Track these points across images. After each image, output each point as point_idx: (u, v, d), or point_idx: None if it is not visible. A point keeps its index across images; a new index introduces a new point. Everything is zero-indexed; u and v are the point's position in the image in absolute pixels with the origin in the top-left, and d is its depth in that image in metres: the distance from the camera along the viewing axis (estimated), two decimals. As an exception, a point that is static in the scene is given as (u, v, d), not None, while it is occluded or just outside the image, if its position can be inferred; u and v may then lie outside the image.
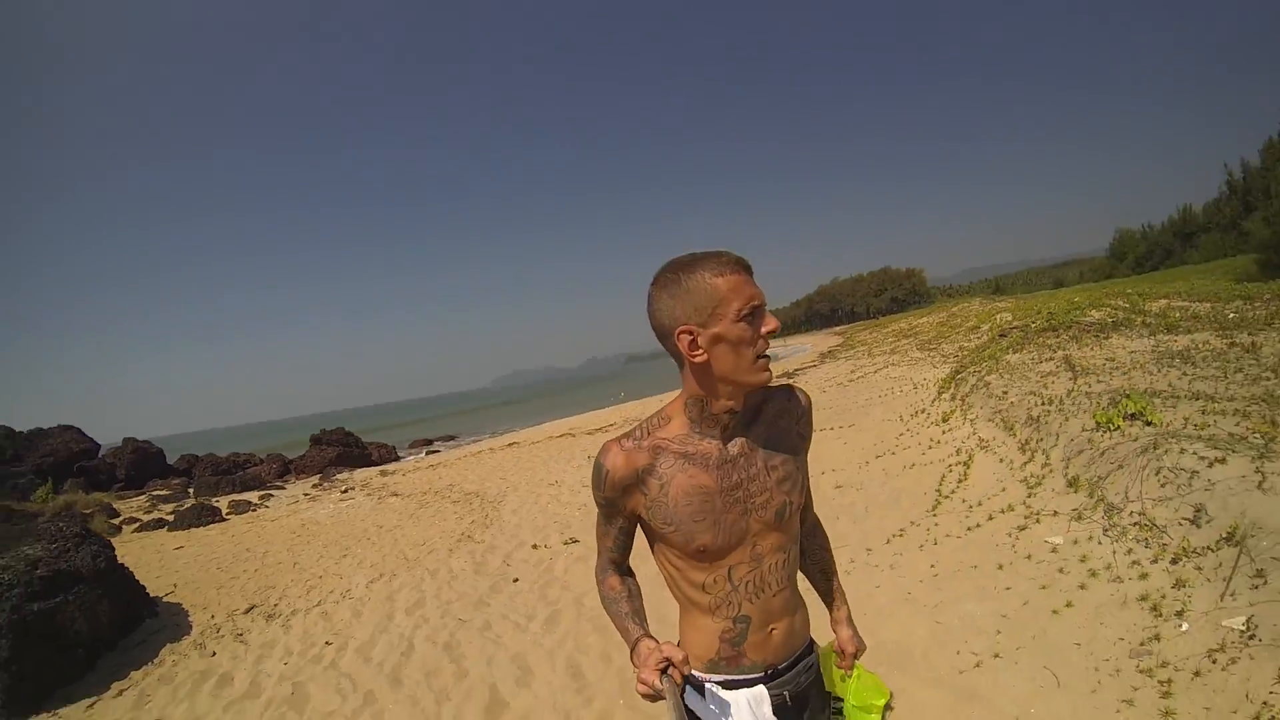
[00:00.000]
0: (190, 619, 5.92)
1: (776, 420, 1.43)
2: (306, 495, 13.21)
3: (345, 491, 12.93)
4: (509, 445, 17.43)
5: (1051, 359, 7.67)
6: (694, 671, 1.42)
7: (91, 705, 4.49)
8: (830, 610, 1.66)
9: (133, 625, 5.76)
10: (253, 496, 13.94)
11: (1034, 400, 6.17)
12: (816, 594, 1.65)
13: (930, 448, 6.70)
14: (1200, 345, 6.70)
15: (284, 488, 15.68)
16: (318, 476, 17.31)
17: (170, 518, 11.49)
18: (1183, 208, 49.75)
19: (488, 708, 3.62)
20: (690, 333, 1.25)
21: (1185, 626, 2.71)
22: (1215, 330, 7.47)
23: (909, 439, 7.33)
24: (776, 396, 1.45)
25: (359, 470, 17.85)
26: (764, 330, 1.26)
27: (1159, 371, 5.87)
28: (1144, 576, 3.07)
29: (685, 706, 1.35)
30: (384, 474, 15.49)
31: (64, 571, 5.26)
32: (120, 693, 4.63)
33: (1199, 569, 2.91)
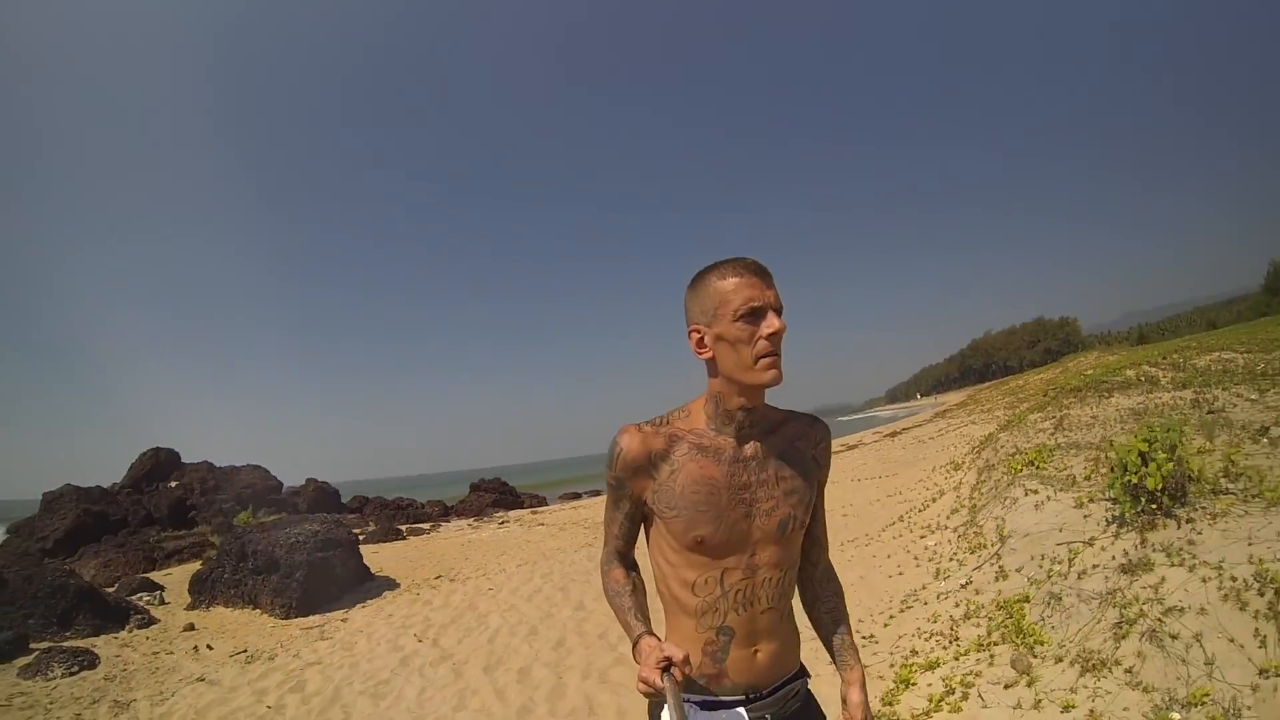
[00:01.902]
0: (397, 582, 8.65)
1: (794, 440, 1.45)
2: (470, 525, 16.13)
3: (502, 523, 15.79)
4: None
5: (1053, 417, 9.32)
6: None
7: (345, 613, 7.21)
8: (841, 670, 1.52)
9: (361, 581, 8.56)
10: (424, 526, 17.04)
11: (1010, 449, 8.04)
12: (826, 649, 1.55)
13: (923, 485, 8.67)
14: (1173, 401, 8.09)
15: (448, 522, 18.75)
16: (476, 516, 20.28)
17: (362, 536, 14.60)
18: None
19: (575, 612, 6.03)
20: (698, 331, 1.33)
21: (950, 581, 4.79)
22: (1240, 383, 8.18)
23: (916, 484, 9.30)
24: (799, 420, 1.48)
25: (512, 511, 20.80)
26: (764, 331, 1.27)
27: (1117, 424, 7.48)
28: (961, 564, 5.12)
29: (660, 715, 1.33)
30: (534, 513, 18.33)
31: (331, 539, 8.20)
32: (362, 604, 7.38)
33: (975, 555, 4.97)
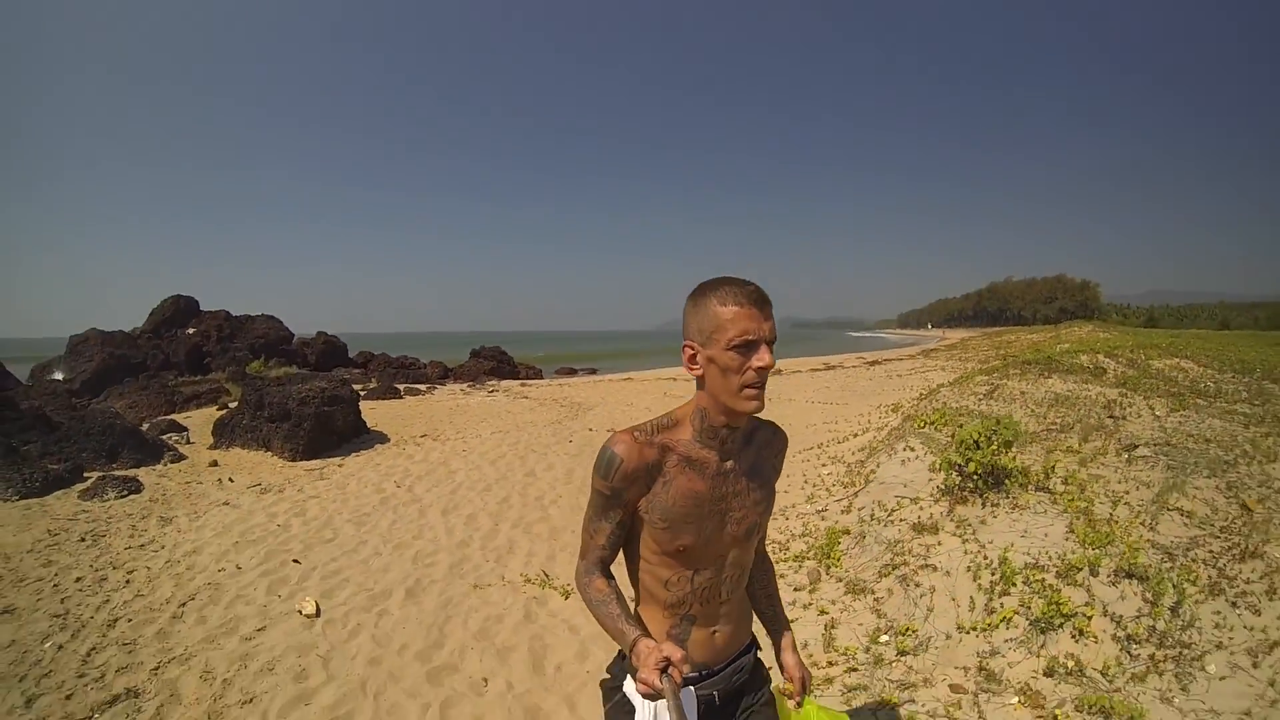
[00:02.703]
0: (388, 437, 10.09)
1: (762, 449, 1.58)
2: (463, 391, 17.62)
3: (491, 391, 17.27)
4: (626, 379, 21.52)
5: (991, 384, 10.34)
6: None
7: (341, 460, 8.65)
8: (774, 637, 1.77)
9: (358, 434, 10.00)
10: (421, 387, 18.57)
11: (935, 405, 9.19)
12: (760, 620, 1.76)
13: (859, 420, 9.92)
14: (1095, 396, 8.90)
15: (445, 385, 20.29)
16: (471, 382, 21.81)
17: (363, 392, 16.05)
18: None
19: (524, 478, 7.43)
20: (691, 348, 1.39)
21: (812, 505, 6.09)
22: (1164, 396, 8.70)
23: (855, 418, 10.53)
24: (765, 429, 1.61)
25: (505, 381, 22.35)
26: (754, 364, 1.33)
27: (1034, 405, 8.35)
28: (830, 494, 6.39)
29: (624, 693, 1.50)
30: (524, 385, 19.87)
31: (336, 396, 9.56)
32: (357, 453, 8.83)
33: (845, 489, 6.23)
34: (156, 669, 3.57)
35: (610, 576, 1.53)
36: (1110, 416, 7.63)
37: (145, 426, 9.90)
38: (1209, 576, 3.72)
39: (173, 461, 8.24)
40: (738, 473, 1.50)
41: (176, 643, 3.84)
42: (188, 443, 9.39)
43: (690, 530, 1.45)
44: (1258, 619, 3.38)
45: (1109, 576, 3.72)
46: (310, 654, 3.73)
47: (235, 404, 10.88)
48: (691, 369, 1.41)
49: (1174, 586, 3.59)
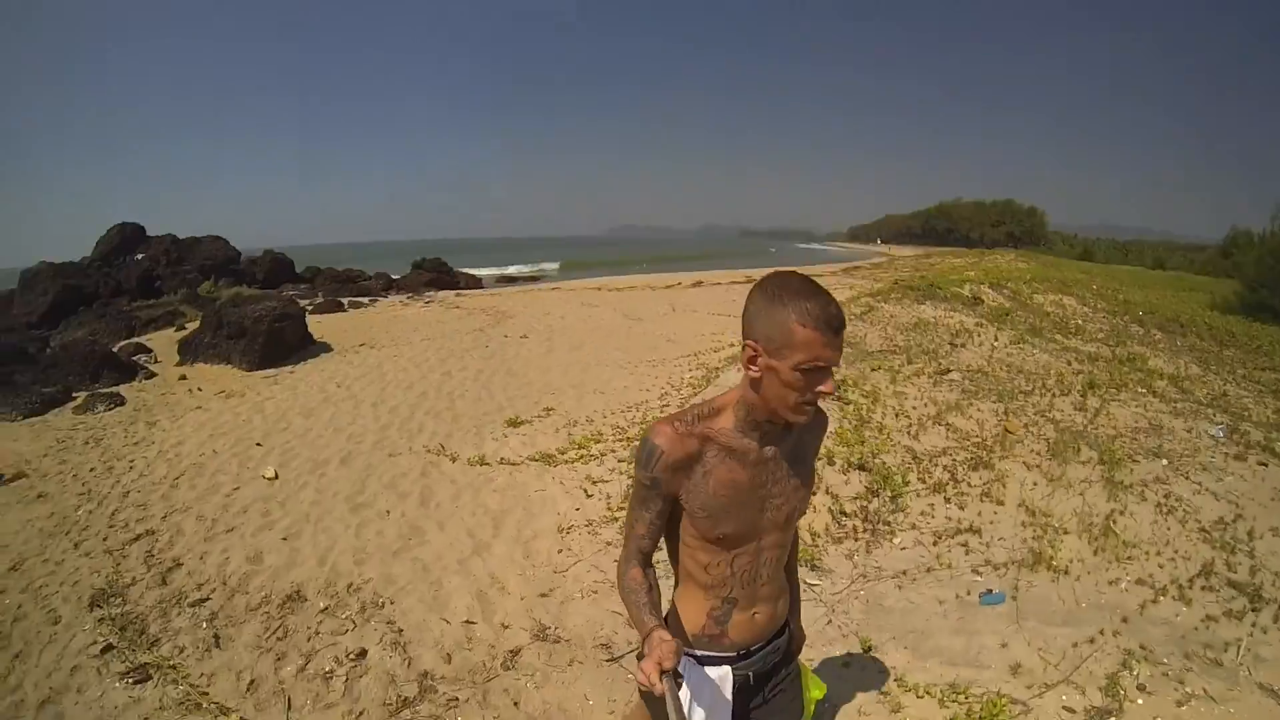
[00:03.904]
0: (331, 347, 11.62)
1: (804, 434, 1.57)
2: (401, 303, 19.05)
3: (428, 302, 18.75)
4: (553, 289, 23.12)
5: (866, 307, 11.01)
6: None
7: (292, 369, 10.20)
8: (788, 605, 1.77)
9: (306, 345, 11.49)
10: (364, 300, 19.97)
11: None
12: None
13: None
14: (949, 323, 9.96)
15: (386, 297, 21.66)
16: (410, 294, 23.04)
17: (309, 307, 17.35)
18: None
19: (441, 378, 9.12)
20: (755, 350, 1.36)
21: (649, 395, 7.87)
22: (1011, 328, 10.02)
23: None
24: None
25: (444, 291, 23.72)
26: (816, 389, 1.34)
27: (890, 330, 9.57)
28: (675, 390, 8.15)
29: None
30: (459, 295, 21.29)
31: (285, 314, 11.06)
32: (305, 362, 10.45)
33: (685, 390, 7.98)
34: (164, 517, 5.26)
35: (648, 566, 1.54)
36: (950, 344, 8.92)
37: (115, 350, 11.32)
38: (940, 478, 5.12)
39: (146, 379, 9.76)
40: (778, 459, 1.52)
41: (176, 501, 5.52)
42: (155, 362, 10.87)
43: (731, 519, 1.48)
44: (961, 513, 4.76)
45: (841, 466, 5.18)
46: (271, 501, 5.45)
47: (193, 324, 12.31)
48: (749, 369, 1.40)
49: (901, 480, 4.95)
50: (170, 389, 9.23)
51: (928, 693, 3.11)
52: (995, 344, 9.35)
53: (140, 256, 23.26)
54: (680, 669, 1.41)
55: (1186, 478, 5.38)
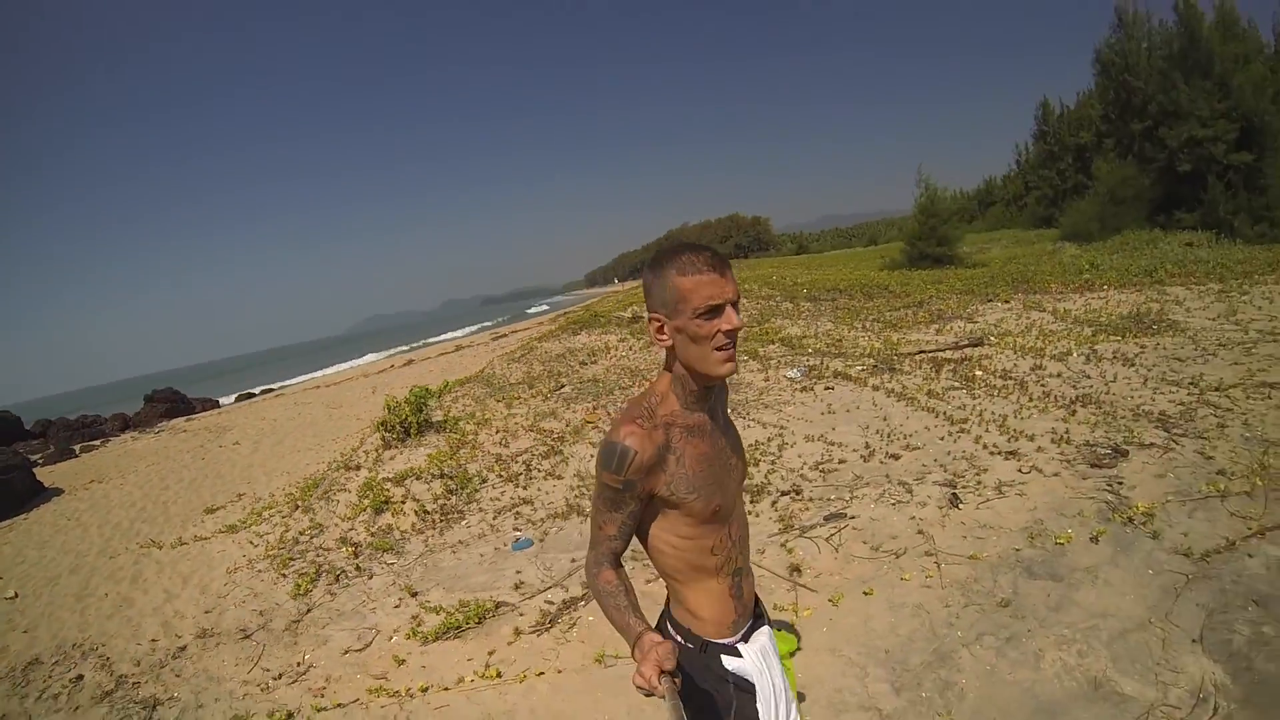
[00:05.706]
0: (62, 489, 13.36)
1: (719, 397, 1.66)
2: (132, 438, 20.41)
3: (158, 432, 20.29)
4: (278, 396, 25.32)
5: (526, 349, 14.86)
6: (719, 640, 1.59)
7: (27, 514, 12.01)
8: None
9: (38, 492, 13.20)
10: (96, 443, 21.06)
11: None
12: None
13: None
14: (586, 345, 13.61)
15: (118, 437, 22.69)
16: (143, 428, 23.83)
17: (40, 460, 18.38)
18: (988, 178, 46.95)
19: (165, 485, 11.62)
20: (658, 320, 1.44)
21: (334, 451, 11.01)
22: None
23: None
24: None
25: (177, 419, 24.94)
26: (722, 327, 1.38)
27: (547, 361, 13.36)
28: (359, 447, 11.30)
29: (731, 673, 1.54)
30: (188, 420, 22.89)
31: (9, 465, 12.82)
32: (38, 508, 12.34)
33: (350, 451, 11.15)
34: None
35: (620, 567, 1.57)
36: (582, 363, 10.76)
37: None
38: (516, 470, 7.09)
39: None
40: (723, 427, 1.63)
41: None
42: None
43: (719, 490, 1.53)
44: (524, 491, 6.43)
45: (426, 478, 7.49)
46: (14, 612, 7.87)
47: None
48: (660, 340, 1.46)
49: (480, 479, 7.24)
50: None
51: (441, 608, 4.43)
52: (625, 354, 11.20)
53: None
54: (727, 666, 1.54)
55: (746, 416, 7.38)
